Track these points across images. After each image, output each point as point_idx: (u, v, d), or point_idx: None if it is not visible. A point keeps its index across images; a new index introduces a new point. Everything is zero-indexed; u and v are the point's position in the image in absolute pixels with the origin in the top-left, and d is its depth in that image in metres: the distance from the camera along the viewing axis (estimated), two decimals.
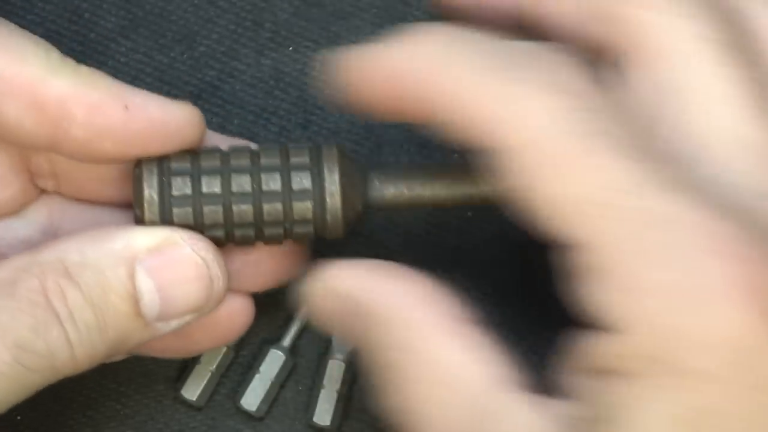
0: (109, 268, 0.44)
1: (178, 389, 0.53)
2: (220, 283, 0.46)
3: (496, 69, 0.41)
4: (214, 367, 0.52)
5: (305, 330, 0.54)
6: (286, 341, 0.53)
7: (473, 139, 0.41)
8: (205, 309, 0.46)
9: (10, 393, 0.43)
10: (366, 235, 0.54)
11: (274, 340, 0.53)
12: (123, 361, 0.53)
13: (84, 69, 0.45)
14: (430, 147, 0.54)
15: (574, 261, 0.40)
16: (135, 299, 0.44)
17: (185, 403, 0.53)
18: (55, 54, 0.45)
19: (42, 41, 0.45)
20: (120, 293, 0.44)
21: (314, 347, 0.54)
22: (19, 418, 0.53)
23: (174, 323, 0.45)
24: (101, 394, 0.53)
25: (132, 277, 0.44)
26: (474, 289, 0.54)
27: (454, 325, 0.43)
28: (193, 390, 0.52)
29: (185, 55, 0.55)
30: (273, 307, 0.54)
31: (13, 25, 0.45)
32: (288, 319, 0.53)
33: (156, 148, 0.45)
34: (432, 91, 0.41)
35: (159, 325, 0.45)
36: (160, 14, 0.55)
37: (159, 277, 0.44)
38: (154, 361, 0.53)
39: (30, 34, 0.45)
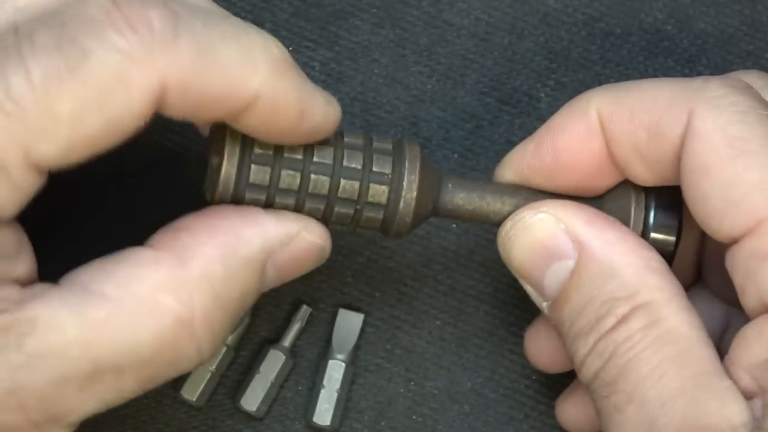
0: (249, 274, 0.44)
1: (178, 389, 0.53)
2: (326, 254, 0.46)
3: None
4: (214, 367, 0.52)
5: (305, 330, 0.54)
6: (286, 341, 0.53)
7: None
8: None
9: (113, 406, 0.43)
10: (366, 236, 0.54)
11: (274, 340, 0.53)
12: None
13: (276, 52, 0.43)
14: (430, 147, 0.54)
15: (754, 247, 0.42)
16: (258, 292, 0.45)
17: (185, 403, 0.53)
18: (245, 39, 0.42)
19: (228, 27, 0.42)
20: (254, 293, 0.44)
21: (314, 347, 0.54)
22: None
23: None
24: None
25: (263, 273, 0.44)
26: (474, 289, 0.54)
27: (686, 301, 0.44)
28: (193, 390, 0.52)
29: None
30: (273, 307, 0.54)
31: (199, 17, 0.42)
32: (288, 319, 0.53)
33: (298, 143, 0.45)
34: None
35: None
36: None
37: (283, 269, 0.45)
38: None
39: (217, 23, 0.42)
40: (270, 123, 0.43)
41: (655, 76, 0.55)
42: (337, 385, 0.52)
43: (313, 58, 0.55)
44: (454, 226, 0.54)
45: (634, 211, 0.47)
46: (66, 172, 0.41)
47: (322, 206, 0.45)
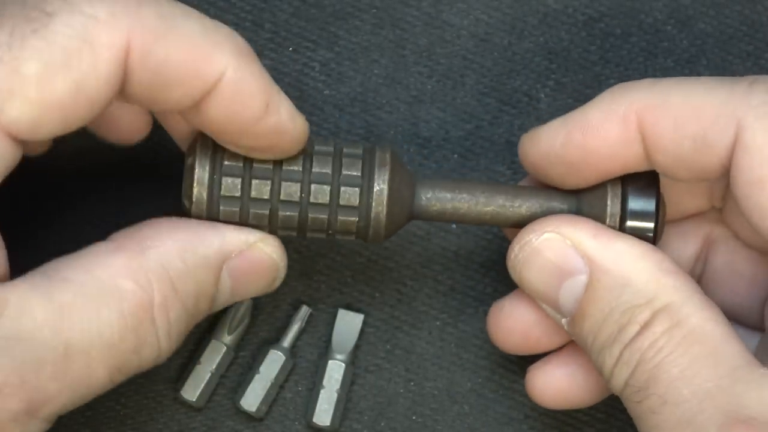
0: (204, 274, 0.44)
1: (177, 389, 0.53)
2: (280, 280, 0.47)
3: None
4: (214, 367, 0.52)
5: (305, 330, 0.54)
6: (286, 341, 0.53)
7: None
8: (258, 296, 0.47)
9: (86, 400, 0.43)
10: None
11: (274, 341, 0.53)
12: None
13: (241, 46, 0.43)
14: (430, 147, 0.54)
15: None
16: (215, 299, 0.45)
17: (185, 403, 0.53)
18: (209, 23, 0.43)
19: (191, 11, 0.43)
20: (208, 297, 0.45)
21: (314, 347, 0.54)
22: None
23: (224, 306, 0.47)
24: (101, 395, 0.53)
25: (218, 279, 0.45)
26: (474, 290, 0.54)
27: (707, 301, 0.44)
28: (192, 390, 0.52)
29: None
30: (273, 307, 0.54)
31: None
32: (288, 320, 0.53)
33: (267, 151, 0.45)
34: None
35: (213, 310, 0.46)
36: None
37: (238, 278, 0.45)
38: None
39: (179, 5, 0.43)
40: (234, 112, 0.43)
41: (655, 76, 0.55)
42: (337, 386, 0.52)
43: (313, 58, 0.55)
44: (454, 226, 0.54)
45: (611, 202, 0.46)
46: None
47: (295, 213, 0.45)
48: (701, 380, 0.42)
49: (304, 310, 0.53)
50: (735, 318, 0.48)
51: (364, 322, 0.53)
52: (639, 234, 0.46)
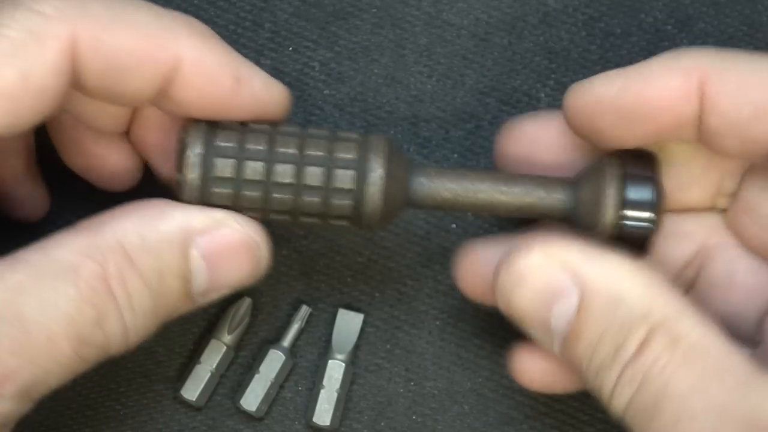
0: (167, 250, 0.44)
1: (178, 389, 0.53)
2: (264, 262, 0.46)
3: None
4: (214, 367, 0.52)
5: (305, 330, 0.54)
6: (286, 341, 0.53)
7: None
8: (246, 284, 0.46)
9: (62, 380, 0.43)
10: (366, 236, 0.54)
11: (274, 340, 0.53)
12: (123, 361, 0.53)
13: (197, 25, 0.44)
14: (430, 147, 0.54)
15: None
16: (187, 279, 0.45)
17: (185, 403, 0.53)
18: (161, 10, 0.44)
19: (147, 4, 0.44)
20: (175, 274, 0.44)
21: (314, 347, 0.54)
22: None
23: (214, 295, 0.46)
24: (101, 394, 0.53)
25: (187, 257, 0.44)
26: None
27: (702, 313, 0.43)
28: (193, 390, 0.52)
29: None
30: (273, 307, 0.54)
31: None
32: (288, 319, 0.53)
33: (265, 119, 0.45)
34: None
35: (200, 299, 0.46)
36: None
37: (211, 257, 0.45)
38: (154, 361, 0.53)
39: None
40: (205, 91, 0.44)
41: None
42: (337, 385, 0.52)
43: (313, 58, 0.55)
44: (454, 226, 0.54)
45: (608, 191, 0.45)
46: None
47: (289, 195, 0.45)
48: (713, 394, 0.41)
49: (304, 310, 0.53)
50: (727, 329, 0.48)
51: (364, 322, 0.53)
52: (638, 223, 0.45)
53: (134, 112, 0.49)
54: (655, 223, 0.46)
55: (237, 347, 0.53)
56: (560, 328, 0.44)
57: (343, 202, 0.45)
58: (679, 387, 0.42)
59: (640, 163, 0.46)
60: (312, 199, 0.45)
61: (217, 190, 0.45)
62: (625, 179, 0.46)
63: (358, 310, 0.53)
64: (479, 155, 0.54)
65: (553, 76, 0.55)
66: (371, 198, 0.45)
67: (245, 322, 0.53)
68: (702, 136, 0.45)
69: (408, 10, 0.56)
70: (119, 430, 0.53)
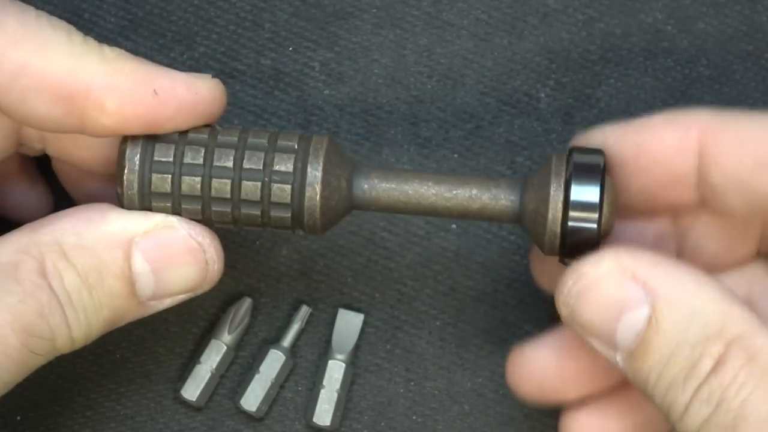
0: (106, 250, 0.44)
1: (178, 389, 0.53)
2: (215, 266, 0.46)
3: None
4: (214, 367, 0.52)
5: (305, 330, 0.54)
6: (286, 341, 0.53)
7: None
8: (199, 290, 0.46)
9: (15, 375, 0.43)
10: (366, 236, 0.54)
11: (274, 340, 0.53)
12: (123, 361, 0.53)
13: (108, 51, 0.44)
14: (430, 147, 0.54)
15: None
16: (131, 281, 0.45)
17: (185, 403, 0.53)
18: (77, 37, 0.44)
19: (61, 23, 0.44)
20: (116, 275, 0.44)
21: (314, 347, 0.54)
22: (18, 418, 0.53)
23: (168, 302, 0.46)
24: (101, 395, 0.53)
25: (128, 259, 0.44)
26: (474, 290, 0.54)
27: (763, 322, 0.42)
28: (193, 390, 0.52)
29: (185, 56, 0.55)
30: (273, 307, 0.54)
31: (30, 8, 0.45)
32: (288, 320, 0.53)
33: (184, 126, 0.45)
34: None
35: (153, 303, 0.46)
36: (160, 14, 0.55)
37: (155, 260, 0.45)
38: (155, 361, 0.53)
39: (48, 16, 0.44)
40: (124, 113, 0.44)
41: (655, 76, 0.55)
42: (337, 386, 0.52)
43: (313, 58, 0.55)
44: (454, 226, 0.54)
45: (554, 189, 0.45)
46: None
47: (228, 209, 0.45)
48: None
49: (304, 310, 0.53)
50: None
51: (364, 322, 0.53)
52: (582, 225, 0.44)
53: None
54: (602, 225, 0.45)
55: (237, 347, 0.53)
56: (627, 341, 0.43)
57: (282, 215, 0.45)
58: (760, 409, 0.40)
59: (587, 162, 0.45)
60: (251, 212, 0.45)
61: (156, 203, 0.45)
62: (570, 180, 0.45)
63: (358, 310, 0.53)
64: (479, 155, 0.54)
65: (553, 76, 0.55)
66: (309, 211, 0.45)
67: (245, 322, 0.53)
68: (705, 196, 0.45)
69: (408, 10, 0.56)
70: (119, 430, 0.53)
